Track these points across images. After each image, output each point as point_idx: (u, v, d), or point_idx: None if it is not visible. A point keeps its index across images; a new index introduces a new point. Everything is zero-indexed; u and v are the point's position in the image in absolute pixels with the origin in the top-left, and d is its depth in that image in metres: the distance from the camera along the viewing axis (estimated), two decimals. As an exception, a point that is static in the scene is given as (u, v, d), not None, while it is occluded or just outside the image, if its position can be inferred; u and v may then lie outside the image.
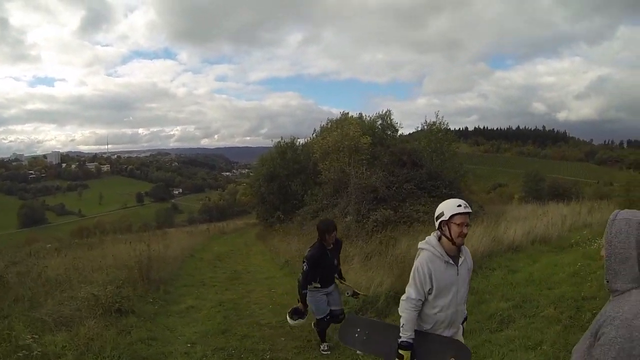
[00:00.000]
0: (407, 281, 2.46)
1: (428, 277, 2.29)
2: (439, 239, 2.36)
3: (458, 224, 2.24)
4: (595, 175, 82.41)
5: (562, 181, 41.15)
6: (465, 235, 2.27)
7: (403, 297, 2.39)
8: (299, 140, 20.96)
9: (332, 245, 4.13)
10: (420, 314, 2.36)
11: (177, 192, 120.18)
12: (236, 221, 38.67)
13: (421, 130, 18.02)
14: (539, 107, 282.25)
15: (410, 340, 2.32)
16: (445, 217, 2.28)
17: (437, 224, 2.36)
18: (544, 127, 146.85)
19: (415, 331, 2.35)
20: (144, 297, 5.88)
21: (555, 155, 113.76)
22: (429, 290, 2.31)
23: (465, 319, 2.63)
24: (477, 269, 7.47)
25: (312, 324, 4.38)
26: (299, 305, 4.20)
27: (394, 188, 12.56)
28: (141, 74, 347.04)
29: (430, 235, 2.43)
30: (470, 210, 2.28)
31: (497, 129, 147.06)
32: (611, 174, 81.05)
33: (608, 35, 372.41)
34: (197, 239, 16.99)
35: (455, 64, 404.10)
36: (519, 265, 7.04)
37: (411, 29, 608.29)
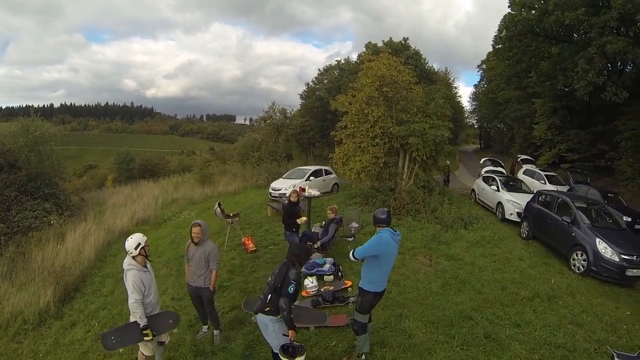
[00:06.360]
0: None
1: (141, 282, 3.65)
2: (134, 258, 3.66)
3: (146, 246, 3.77)
4: (180, 146, 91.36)
5: (151, 156, 43.83)
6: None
7: (131, 300, 3.61)
8: None
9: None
10: (143, 304, 3.68)
11: None
12: None
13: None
14: (129, 83, 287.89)
15: (146, 323, 3.66)
16: (142, 244, 3.72)
17: (137, 249, 3.66)
18: (132, 103, 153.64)
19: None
20: None
21: (142, 129, 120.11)
22: (144, 290, 3.69)
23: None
24: (104, 259, 9.36)
25: None
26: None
27: (-4, 196, 11.36)
28: None
29: None
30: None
31: (85, 105, 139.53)
32: (193, 143, 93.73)
33: (203, 28, 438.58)
34: None
35: (49, 32, 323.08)
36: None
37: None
